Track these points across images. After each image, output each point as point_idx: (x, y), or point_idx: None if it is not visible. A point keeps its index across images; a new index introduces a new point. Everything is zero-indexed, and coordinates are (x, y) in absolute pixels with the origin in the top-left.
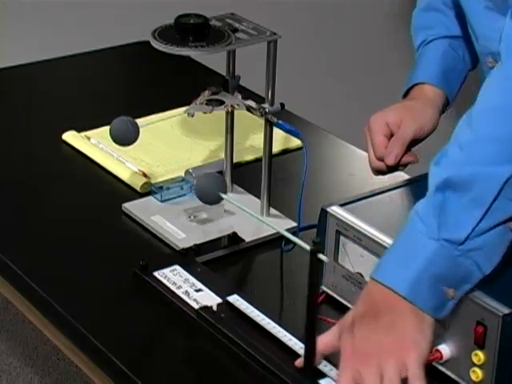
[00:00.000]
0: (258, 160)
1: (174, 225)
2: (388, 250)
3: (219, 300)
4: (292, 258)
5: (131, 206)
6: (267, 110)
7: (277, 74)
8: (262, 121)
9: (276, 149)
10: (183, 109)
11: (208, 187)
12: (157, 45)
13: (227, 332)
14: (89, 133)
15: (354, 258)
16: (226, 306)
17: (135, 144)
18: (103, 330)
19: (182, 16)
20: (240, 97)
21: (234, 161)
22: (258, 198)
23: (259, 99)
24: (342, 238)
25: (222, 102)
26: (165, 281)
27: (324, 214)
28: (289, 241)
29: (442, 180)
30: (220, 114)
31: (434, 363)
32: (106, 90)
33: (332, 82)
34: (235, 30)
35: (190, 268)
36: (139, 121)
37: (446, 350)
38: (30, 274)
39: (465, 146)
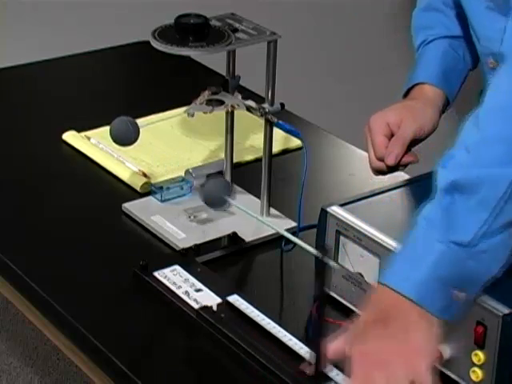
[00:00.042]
0: (258, 160)
1: (174, 225)
2: (395, 255)
3: (219, 300)
4: (292, 258)
5: (131, 206)
6: (267, 110)
7: (277, 74)
8: (262, 121)
9: (276, 149)
10: (183, 109)
11: (215, 191)
12: (157, 45)
13: (227, 332)
14: (89, 133)
15: (354, 258)
16: (226, 306)
17: (135, 144)
18: (103, 330)
19: (181, 16)
20: (240, 97)
21: (234, 161)
22: (258, 197)
23: (259, 99)
24: (341, 237)
25: (222, 102)
26: (165, 281)
27: (324, 214)
28: (289, 241)
29: (449, 182)
30: (220, 114)
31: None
32: (105, 90)
33: (332, 82)
34: (235, 30)
35: (190, 268)
36: (139, 121)
37: (445, 350)
38: (29, 274)
39: (471, 148)
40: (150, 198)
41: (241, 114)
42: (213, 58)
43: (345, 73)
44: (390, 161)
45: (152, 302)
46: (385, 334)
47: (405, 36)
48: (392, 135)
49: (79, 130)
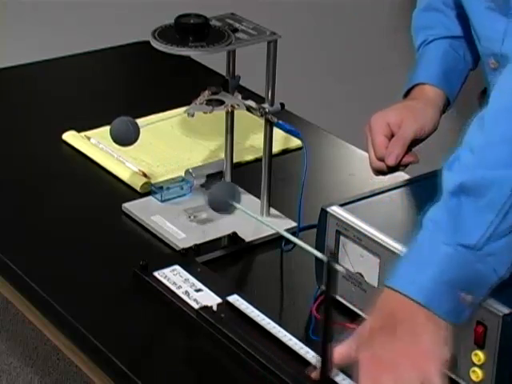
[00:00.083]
0: (258, 160)
1: (174, 225)
2: (402, 258)
3: (219, 300)
4: (292, 258)
5: (131, 206)
6: (267, 110)
7: (277, 74)
8: (262, 121)
9: (276, 149)
10: (183, 109)
11: (221, 196)
12: (157, 45)
13: (227, 332)
14: (89, 133)
15: (354, 258)
16: (226, 306)
17: (135, 144)
18: (103, 330)
19: (182, 16)
20: (240, 97)
21: (234, 161)
22: (258, 197)
23: (259, 99)
24: (342, 237)
25: (222, 102)
26: (165, 281)
27: (324, 214)
28: (289, 241)
29: (456, 185)
30: (220, 114)
31: None
32: (105, 90)
33: (332, 82)
34: (235, 30)
35: (190, 268)
36: (139, 121)
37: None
38: (30, 274)
39: (477, 150)
40: (150, 198)
41: (241, 114)
42: (213, 58)
43: (345, 73)
44: (391, 161)
45: (152, 302)
46: (393, 337)
47: (405, 36)
48: (392, 135)
49: (79, 130)
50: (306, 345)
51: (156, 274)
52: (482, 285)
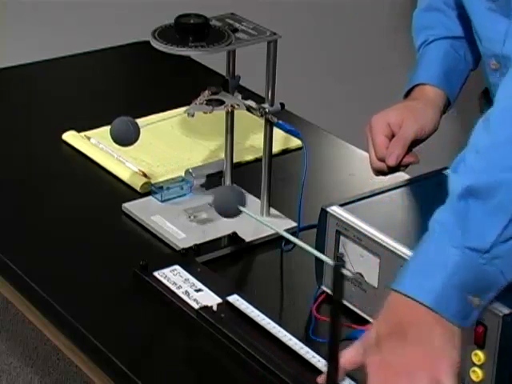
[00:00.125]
0: (258, 160)
1: (174, 225)
2: (409, 262)
3: (219, 300)
4: (292, 258)
5: (131, 206)
6: (267, 110)
7: (277, 74)
8: (262, 121)
9: (276, 149)
10: (183, 109)
11: (226, 200)
12: (157, 45)
13: (227, 332)
14: (89, 133)
15: (354, 258)
16: (226, 306)
17: (135, 144)
18: (103, 330)
19: (181, 16)
20: (240, 97)
21: (234, 161)
22: (258, 198)
23: (259, 99)
24: (342, 237)
25: (222, 102)
26: (165, 281)
27: (324, 214)
28: (289, 241)
29: (464, 188)
30: (220, 114)
31: None
32: (106, 90)
33: (332, 82)
34: (235, 30)
35: (190, 268)
36: (139, 121)
37: None
38: (30, 274)
39: (483, 151)
40: (150, 198)
41: (241, 114)
42: (213, 58)
43: (345, 73)
44: (391, 161)
45: (152, 302)
46: (402, 341)
47: (405, 36)
48: (393, 135)
49: (79, 130)
50: (306, 345)
51: (156, 274)
52: (489, 287)
